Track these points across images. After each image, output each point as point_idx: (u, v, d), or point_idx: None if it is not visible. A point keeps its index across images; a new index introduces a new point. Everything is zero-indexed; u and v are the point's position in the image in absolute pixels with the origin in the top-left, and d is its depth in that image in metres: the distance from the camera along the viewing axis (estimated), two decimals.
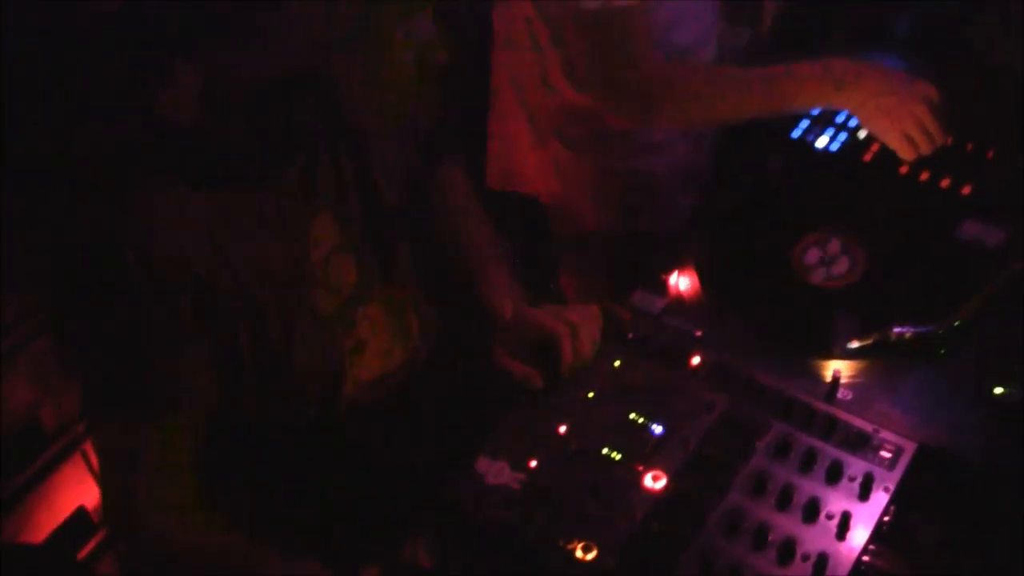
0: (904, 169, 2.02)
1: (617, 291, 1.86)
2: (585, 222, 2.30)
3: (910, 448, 1.52)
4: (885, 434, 1.54)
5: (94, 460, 2.47)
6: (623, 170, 2.22)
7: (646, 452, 1.53)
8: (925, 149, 1.93)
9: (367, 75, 1.44)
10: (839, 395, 1.61)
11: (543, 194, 2.34)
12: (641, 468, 1.51)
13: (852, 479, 1.48)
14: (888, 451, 1.52)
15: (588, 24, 1.91)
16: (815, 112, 2.16)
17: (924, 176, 2.00)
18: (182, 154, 1.37)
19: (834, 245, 1.84)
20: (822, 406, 1.59)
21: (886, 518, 1.45)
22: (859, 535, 1.42)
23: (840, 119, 2.15)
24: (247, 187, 1.44)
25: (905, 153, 1.94)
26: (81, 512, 2.54)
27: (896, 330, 1.66)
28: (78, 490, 2.53)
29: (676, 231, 2.06)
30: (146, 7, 1.33)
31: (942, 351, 1.67)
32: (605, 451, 1.54)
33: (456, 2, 1.52)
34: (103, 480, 1.50)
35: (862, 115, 1.96)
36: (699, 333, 1.72)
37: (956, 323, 1.67)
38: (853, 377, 1.64)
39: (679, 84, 2.01)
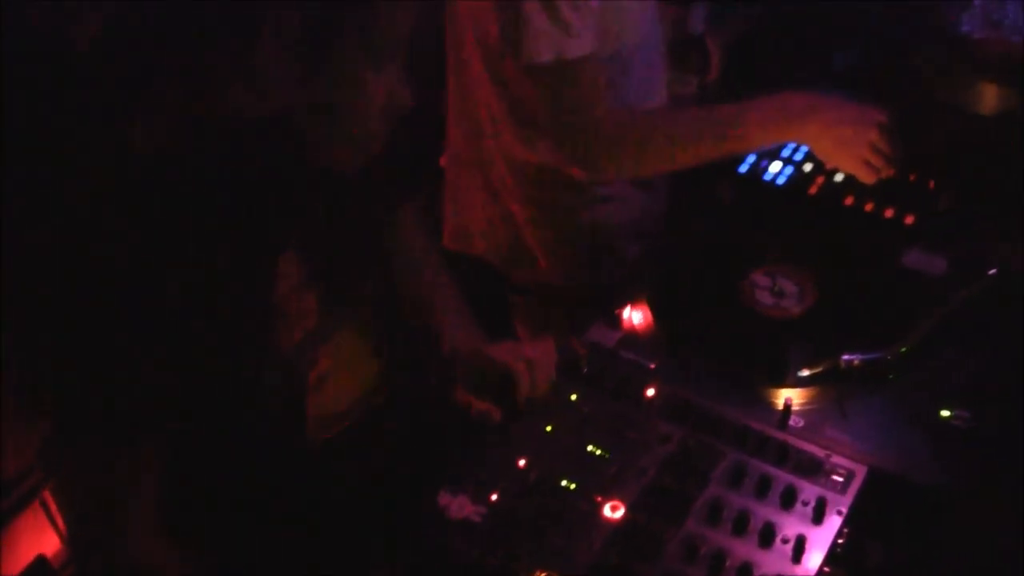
0: (849, 200, 2.08)
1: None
2: (539, 275, 2.32)
3: (861, 472, 1.56)
4: (837, 459, 1.58)
5: (53, 508, 2.47)
6: (578, 222, 2.24)
7: (604, 483, 1.56)
8: (885, 172, 1.95)
9: (336, 117, 1.46)
10: (791, 422, 1.64)
11: (495, 255, 2.34)
12: (599, 499, 1.53)
13: (806, 503, 1.51)
14: (840, 475, 1.56)
15: (543, 78, 1.93)
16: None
17: (869, 207, 2.06)
18: (153, 183, 1.39)
19: (783, 276, 1.88)
20: (775, 433, 1.63)
21: (840, 540, 1.49)
22: (814, 558, 1.45)
23: (786, 153, 2.20)
24: (216, 221, 1.45)
25: (865, 178, 1.97)
26: (40, 560, 2.53)
27: (845, 358, 1.71)
28: (37, 538, 2.52)
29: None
30: (129, 28, 1.35)
31: (890, 377, 1.71)
32: (564, 483, 1.57)
33: (424, 50, 1.54)
34: (78, 510, 1.51)
35: (819, 147, 1.98)
36: (653, 366, 1.75)
37: (903, 350, 1.72)
38: (804, 404, 1.68)
39: (640, 133, 2.02)
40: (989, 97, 2.21)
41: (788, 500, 1.52)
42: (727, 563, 1.44)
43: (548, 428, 1.66)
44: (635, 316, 1.85)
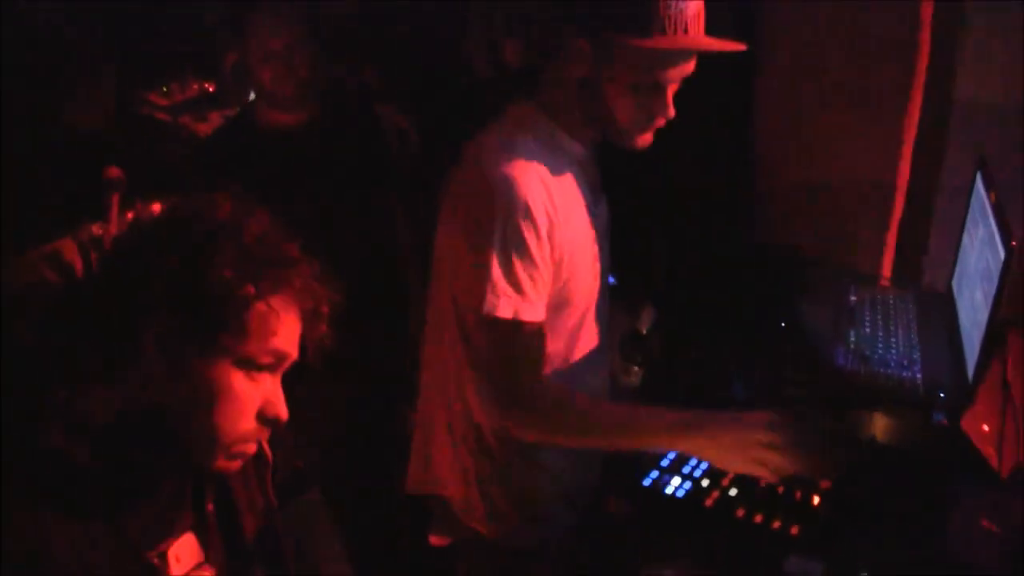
0: (740, 512, 2.27)
1: None
2: (481, 527, 2.47)
3: None
4: None
5: None
6: (517, 483, 2.43)
7: None
8: (782, 472, 2.08)
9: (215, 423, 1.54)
10: None
11: (454, 498, 2.50)
12: None
13: None
14: None
15: (497, 332, 2.16)
16: (665, 463, 2.43)
17: (758, 519, 2.25)
18: (46, 478, 1.47)
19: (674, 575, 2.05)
20: None
21: None
22: None
23: (686, 470, 2.42)
24: (105, 513, 1.52)
25: (766, 476, 2.11)
26: None
27: None
28: None
29: (556, 548, 2.25)
30: None
31: None
32: None
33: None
34: None
35: (708, 456, 2.16)
36: None
37: None
38: None
39: (568, 412, 2.24)
40: (858, 424, 2.46)
41: None
42: None
43: None
44: None
